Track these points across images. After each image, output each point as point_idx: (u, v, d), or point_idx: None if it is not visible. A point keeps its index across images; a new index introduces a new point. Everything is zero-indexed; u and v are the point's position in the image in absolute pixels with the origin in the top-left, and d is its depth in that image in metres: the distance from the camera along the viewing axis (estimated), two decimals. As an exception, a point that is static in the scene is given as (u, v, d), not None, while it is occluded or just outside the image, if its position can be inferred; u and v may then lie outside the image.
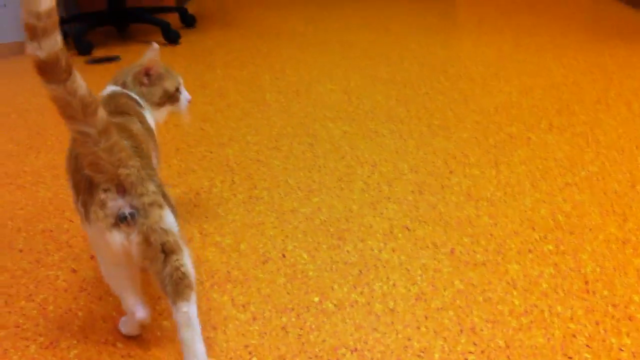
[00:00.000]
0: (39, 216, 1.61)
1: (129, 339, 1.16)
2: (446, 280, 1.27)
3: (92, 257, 1.42)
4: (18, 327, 1.22)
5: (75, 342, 1.17)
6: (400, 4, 3.67)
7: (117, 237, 1.01)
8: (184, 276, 1.02)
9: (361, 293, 1.25)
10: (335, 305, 1.22)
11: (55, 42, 0.90)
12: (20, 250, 1.47)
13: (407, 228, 1.46)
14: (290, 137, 1.98)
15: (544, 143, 1.83)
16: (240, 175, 1.76)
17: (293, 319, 1.19)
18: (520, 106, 2.10)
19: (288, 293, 1.27)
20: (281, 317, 1.20)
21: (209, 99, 2.35)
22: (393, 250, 1.38)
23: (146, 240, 1.01)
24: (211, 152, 1.91)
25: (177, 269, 1.02)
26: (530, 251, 1.34)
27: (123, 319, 1.18)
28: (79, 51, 3.03)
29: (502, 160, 1.74)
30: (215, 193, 1.67)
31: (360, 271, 1.32)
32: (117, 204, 1.00)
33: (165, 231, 1.02)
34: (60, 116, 0.95)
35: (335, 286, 1.28)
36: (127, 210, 1.00)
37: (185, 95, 1.39)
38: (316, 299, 1.24)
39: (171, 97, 1.36)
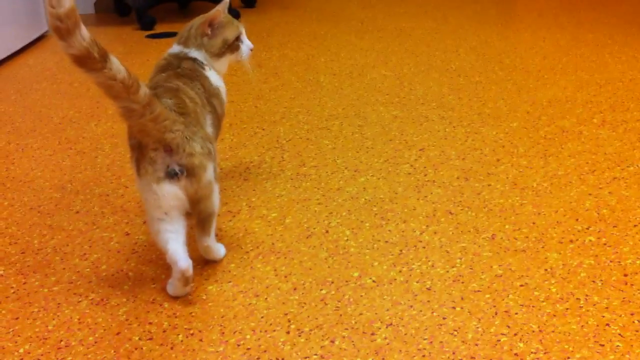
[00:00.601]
0: (97, 181, 1.69)
1: (175, 299, 1.22)
2: (485, 265, 1.29)
3: (145, 222, 1.49)
4: (71, 283, 1.29)
5: (124, 300, 1.23)
6: (460, -7, 3.66)
7: (166, 190, 1.16)
8: (206, 220, 1.24)
9: (400, 271, 1.28)
10: (373, 281, 1.26)
11: (81, 38, 1.00)
12: (77, 212, 1.55)
13: (450, 212, 1.48)
14: (341, 118, 2.02)
15: (595, 137, 1.82)
16: (290, 152, 1.80)
17: (332, 292, 1.23)
18: (575, 100, 2.08)
19: (329, 267, 1.30)
20: (321, 289, 1.24)
21: (264, 77, 2.40)
22: (435, 233, 1.41)
23: (192, 195, 1.18)
24: (263, 129, 1.96)
25: (206, 213, 1.23)
26: (571, 241, 1.35)
27: (170, 280, 1.24)
28: (141, 26, 3.12)
29: (551, 152, 1.74)
30: (265, 168, 1.72)
31: (401, 250, 1.35)
32: (165, 161, 1.15)
33: (206, 186, 1.19)
34: (106, 96, 1.06)
35: (375, 263, 1.31)
36: (176, 167, 1.15)
37: (247, 44, 1.44)
38: (356, 274, 1.28)
39: (231, 46, 1.41)
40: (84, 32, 1.01)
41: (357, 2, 3.55)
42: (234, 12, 3.18)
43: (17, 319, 1.19)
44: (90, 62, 1.02)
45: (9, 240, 1.44)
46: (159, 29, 3.14)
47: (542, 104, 2.06)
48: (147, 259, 1.35)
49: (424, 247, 1.36)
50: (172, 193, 1.16)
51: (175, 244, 1.19)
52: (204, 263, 1.32)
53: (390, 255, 1.34)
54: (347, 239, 1.40)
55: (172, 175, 1.15)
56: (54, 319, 1.18)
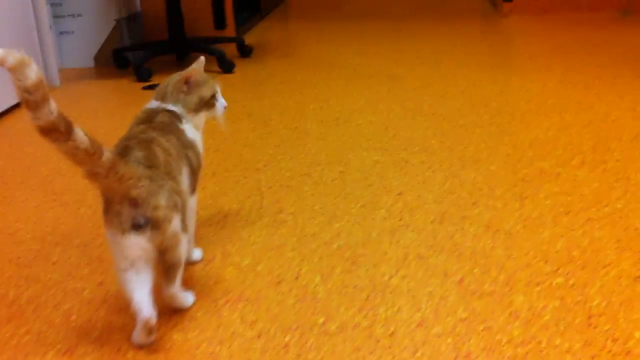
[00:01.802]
0: (77, 232, 1.71)
1: (140, 348, 1.23)
2: (450, 308, 1.29)
3: (118, 271, 1.51)
4: (41, 333, 1.30)
5: (90, 349, 1.24)
6: (454, 40, 3.71)
7: (131, 241, 1.20)
8: (171, 270, 1.26)
9: (365, 316, 1.28)
10: (337, 327, 1.26)
11: (49, 111, 1.04)
12: (54, 263, 1.57)
13: (420, 256, 1.49)
14: (323, 165, 2.04)
15: (572, 178, 1.82)
16: (269, 199, 1.82)
17: (296, 338, 1.23)
18: (556, 142, 2.09)
19: (295, 313, 1.31)
20: (285, 336, 1.24)
21: (252, 125, 2.43)
22: (403, 277, 1.41)
23: (158, 245, 1.22)
24: (245, 177, 1.99)
25: (172, 264, 1.25)
26: (538, 284, 1.35)
27: (135, 330, 1.25)
28: (138, 77, 3.18)
29: (528, 194, 1.75)
30: (243, 216, 1.74)
31: (368, 295, 1.35)
32: (130, 213, 1.19)
33: (171, 237, 1.23)
34: (74, 163, 1.13)
35: (342, 309, 1.31)
36: (141, 219, 1.19)
37: (221, 102, 1.50)
38: (321, 320, 1.28)
39: (207, 103, 1.46)
40: (53, 105, 1.05)
41: (353, 48, 3.60)
42: (228, 62, 3.25)
43: (-18, 370, 1.20)
44: (55, 134, 1.07)
45: (-16, 292, 1.46)
46: (156, 80, 3.21)
47: (523, 146, 2.07)
48: (117, 308, 1.37)
49: (391, 292, 1.36)
50: (137, 244, 1.20)
51: (140, 294, 1.21)
52: (172, 312, 1.33)
53: (357, 300, 1.34)
54: (317, 285, 1.40)
55: (137, 227, 1.19)
56: (17, 370, 1.19)
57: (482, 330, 1.22)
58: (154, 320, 1.20)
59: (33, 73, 1.01)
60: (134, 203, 1.18)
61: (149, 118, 1.38)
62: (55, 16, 3.45)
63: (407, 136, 2.24)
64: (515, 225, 1.59)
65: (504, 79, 2.84)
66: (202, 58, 1.48)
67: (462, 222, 1.63)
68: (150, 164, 1.23)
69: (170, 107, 1.42)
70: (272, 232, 1.64)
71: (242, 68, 3.33)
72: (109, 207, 1.20)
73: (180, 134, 1.38)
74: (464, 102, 2.57)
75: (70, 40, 3.48)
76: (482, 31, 3.90)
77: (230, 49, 3.74)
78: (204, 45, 3.35)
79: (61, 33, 3.47)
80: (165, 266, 1.25)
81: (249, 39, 4.07)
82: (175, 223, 1.22)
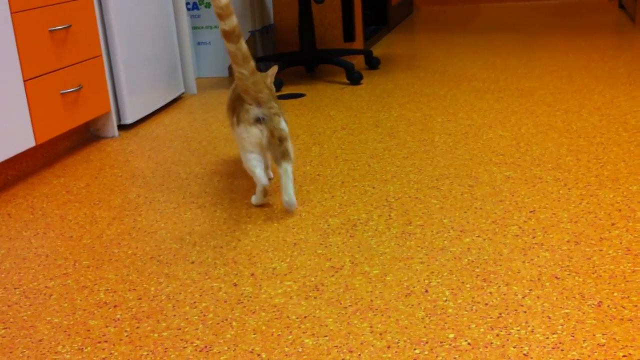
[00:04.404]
0: (213, 233, 1.79)
1: (273, 351, 1.27)
2: (588, 333, 1.24)
3: (252, 275, 1.56)
4: (179, 329, 1.37)
5: (225, 348, 1.29)
6: (589, 54, 3.57)
7: (255, 130, 1.79)
8: (287, 152, 1.81)
9: (497, 335, 1.26)
10: (469, 343, 1.24)
11: (232, 21, 1.73)
12: (192, 262, 1.64)
13: (556, 277, 1.44)
14: (452, 178, 2.02)
15: None
16: (398, 211, 1.83)
17: (426, 352, 1.23)
18: None
19: (425, 327, 1.31)
20: (414, 349, 1.24)
21: (379, 137, 2.45)
22: (537, 297, 1.37)
23: (270, 133, 1.79)
24: (373, 188, 2.00)
25: (285, 148, 1.80)
26: (685, 313, 1.28)
27: (254, 196, 1.92)
28: (269, 88, 3.28)
29: (672, 218, 1.66)
30: (371, 226, 1.75)
31: (500, 314, 1.33)
32: (255, 111, 1.79)
33: (280, 129, 1.80)
34: (232, 62, 1.76)
35: (473, 326, 1.30)
36: (261, 115, 1.79)
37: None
38: (451, 336, 1.27)
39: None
40: (234, 19, 1.73)
41: (480, 63, 3.55)
42: (357, 74, 3.29)
43: (127, 360, 1.28)
44: (232, 36, 1.73)
45: (128, 287, 1.55)
46: (285, 90, 3.29)
47: (667, 166, 1.97)
48: (251, 310, 1.41)
49: (524, 312, 1.33)
50: (258, 132, 1.79)
51: (259, 170, 1.82)
52: (303, 317, 1.36)
53: (488, 318, 1.32)
54: (446, 300, 1.39)
55: (259, 120, 1.79)
56: (159, 362, 1.26)
57: (622, 357, 1.16)
58: (268, 186, 1.89)
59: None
60: (258, 104, 1.79)
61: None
62: (194, 27, 3.62)
63: (539, 152, 2.18)
64: (658, 250, 1.51)
65: (645, 95, 2.71)
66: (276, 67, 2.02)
67: (600, 244, 1.57)
68: (267, 86, 1.86)
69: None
70: (401, 243, 1.65)
71: (370, 80, 3.36)
72: (241, 108, 1.80)
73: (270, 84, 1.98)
74: (600, 118, 2.47)
75: (207, 51, 3.64)
76: (618, 46, 3.73)
77: (358, 61, 3.78)
78: (333, 57, 3.41)
79: (199, 43, 3.64)
80: (276, 151, 1.80)
81: (376, 51, 4.10)
82: (281, 119, 1.81)
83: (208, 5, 3.58)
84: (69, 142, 2.64)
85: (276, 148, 1.79)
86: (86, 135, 2.75)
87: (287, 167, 1.79)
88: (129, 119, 2.79)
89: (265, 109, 1.78)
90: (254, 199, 1.91)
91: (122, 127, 2.83)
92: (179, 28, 3.23)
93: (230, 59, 1.75)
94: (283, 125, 1.81)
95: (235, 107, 1.83)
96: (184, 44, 3.26)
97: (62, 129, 2.41)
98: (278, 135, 1.78)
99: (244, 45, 1.74)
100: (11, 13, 2.16)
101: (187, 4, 3.58)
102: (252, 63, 1.75)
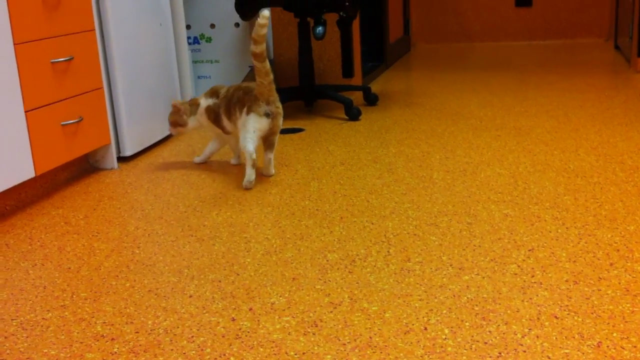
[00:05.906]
0: (211, 267, 1.78)
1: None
2: (587, 373, 1.24)
3: (251, 309, 1.55)
4: (178, 363, 1.36)
5: (224, 383, 1.28)
6: (585, 94, 3.62)
7: (264, 121, 2.33)
8: (274, 144, 2.42)
9: (497, 374, 1.26)
10: (468, 382, 1.24)
11: (262, 46, 2.26)
12: (190, 296, 1.64)
13: (555, 316, 1.44)
14: (450, 215, 2.03)
15: None
16: (396, 247, 1.83)
17: (425, 390, 1.22)
18: (701, 204, 1.99)
19: (424, 365, 1.30)
20: (414, 387, 1.23)
21: (378, 173, 2.46)
22: (537, 337, 1.37)
23: (272, 127, 2.36)
24: (372, 223, 2.01)
25: (274, 140, 2.41)
26: (685, 354, 1.27)
27: (245, 178, 2.35)
28: (267, 122, 3.30)
29: (670, 258, 1.66)
30: (370, 262, 1.75)
31: (500, 353, 1.32)
32: (266, 108, 2.33)
33: (279, 126, 2.38)
34: (256, 74, 2.32)
35: (472, 364, 1.29)
36: (269, 111, 2.34)
37: None
38: (451, 374, 1.27)
39: None
40: (265, 45, 2.26)
41: (477, 101, 3.59)
42: (355, 110, 3.31)
43: (124, 394, 1.26)
44: (260, 57, 2.29)
45: (125, 320, 1.54)
46: (285, 125, 3.31)
47: (664, 207, 1.98)
48: (249, 345, 1.41)
49: (524, 351, 1.32)
50: (265, 124, 2.33)
51: (252, 148, 2.32)
52: (294, 353, 1.35)
53: (488, 357, 1.31)
54: (446, 338, 1.39)
55: (267, 115, 2.33)
56: (157, 397, 1.25)
57: (623, 399, 1.16)
58: (255, 155, 2.33)
59: (263, 30, 2.25)
60: (268, 102, 2.33)
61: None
62: (195, 61, 3.66)
63: (537, 191, 2.19)
64: (657, 291, 1.52)
65: (641, 136, 2.73)
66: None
67: (598, 284, 1.57)
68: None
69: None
70: (400, 279, 1.65)
71: (368, 116, 3.38)
72: (255, 103, 2.33)
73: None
74: (597, 158, 2.49)
75: (207, 85, 3.66)
76: (614, 86, 3.78)
77: (356, 97, 3.82)
78: (331, 93, 3.44)
79: (199, 77, 3.67)
80: (270, 141, 2.40)
81: (374, 87, 4.13)
82: (280, 119, 2.39)
83: (209, 40, 3.62)
84: (68, 173, 2.65)
85: (270, 138, 2.39)
86: (85, 167, 2.76)
87: (271, 156, 2.44)
88: (128, 151, 2.80)
89: (273, 108, 2.35)
90: (246, 181, 2.35)
91: (121, 159, 2.84)
92: (179, 62, 3.26)
93: (255, 72, 2.31)
94: (281, 123, 2.40)
95: (246, 101, 2.36)
96: (185, 78, 3.29)
97: (62, 160, 2.42)
98: (276, 130, 2.38)
99: (267, 64, 2.30)
100: (14, 44, 2.18)
101: (188, 38, 3.62)
102: (271, 76, 2.32)
